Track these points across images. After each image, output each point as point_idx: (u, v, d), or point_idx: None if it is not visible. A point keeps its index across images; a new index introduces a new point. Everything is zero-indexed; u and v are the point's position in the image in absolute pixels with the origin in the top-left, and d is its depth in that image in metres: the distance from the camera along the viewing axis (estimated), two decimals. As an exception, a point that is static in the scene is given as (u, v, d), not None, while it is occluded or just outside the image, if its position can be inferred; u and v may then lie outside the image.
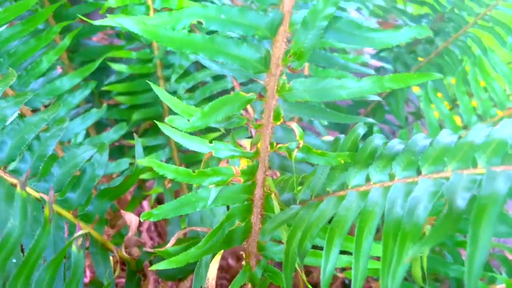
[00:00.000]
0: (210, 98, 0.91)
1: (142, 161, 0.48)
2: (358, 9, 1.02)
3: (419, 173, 0.44)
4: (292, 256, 0.44)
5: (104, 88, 0.88)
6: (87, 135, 0.90)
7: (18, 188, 0.40)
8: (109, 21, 0.43)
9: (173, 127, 0.49)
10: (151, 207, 0.97)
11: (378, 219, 0.40)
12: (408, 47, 1.16)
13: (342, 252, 0.49)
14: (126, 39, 0.92)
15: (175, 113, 0.49)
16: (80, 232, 0.47)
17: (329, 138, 0.87)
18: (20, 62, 0.71)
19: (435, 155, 0.44)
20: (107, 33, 1.09)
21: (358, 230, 0.40)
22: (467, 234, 0.54)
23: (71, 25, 0.88)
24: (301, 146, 0.50)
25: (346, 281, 0.87)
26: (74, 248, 0.47)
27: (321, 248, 0.44)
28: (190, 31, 0.61)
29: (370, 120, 0.69)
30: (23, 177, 0.42)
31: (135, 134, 0.60)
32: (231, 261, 0.96)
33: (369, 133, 1.07)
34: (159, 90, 0.51)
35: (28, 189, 0.52)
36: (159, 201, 1.02)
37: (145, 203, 0.97)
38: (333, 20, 0.44)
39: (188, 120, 0.47)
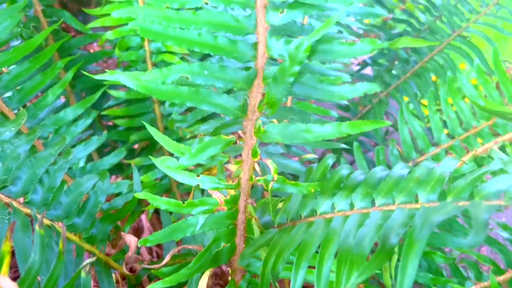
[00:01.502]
0: (202, 120, 0.99)
1: (139, 194, 0.56)
2: (339, 32, 1.10)
3: (374, 204, 0.52)
4: (267, 276, 0.52)
5: (104, 112, 0.96)
6: (89, 156, 0.97)
7: (37, 227, 0.48)
8: (107, 76, 0.51)
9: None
10: (149, 220, 1.05)
11: (336, 247, 0.48)
12: (388, 64, 1.25)
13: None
14: (123, 66, 1.00)
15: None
16: (88, 260, 0.55)
17: (311, 156, 0.95)
18: (28, 96, 0.78)
19: (387, 189, 0.52)
20: (105, 61, 1.17)
21: (320, 255, 0.48)
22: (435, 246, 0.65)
23: (72, 53, 0.96)
24: (275, 178, 0.58)
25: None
26: (83, 273, 0.55)
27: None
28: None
29: (343, 145, 0.77)
30: (40, 217, 0.50)
31: (133, 166, 0.68)
32: (224, 268, 1.04)
33: (351, 146, 1.14)
34: (153, 130, 0.58)
35: (38, 216, 0.60)
36: (157, 212, 1.10)
37: (143, 217, 1.05)
38: (299, 76, 0.52)
39: (178, 160, 0.55)
